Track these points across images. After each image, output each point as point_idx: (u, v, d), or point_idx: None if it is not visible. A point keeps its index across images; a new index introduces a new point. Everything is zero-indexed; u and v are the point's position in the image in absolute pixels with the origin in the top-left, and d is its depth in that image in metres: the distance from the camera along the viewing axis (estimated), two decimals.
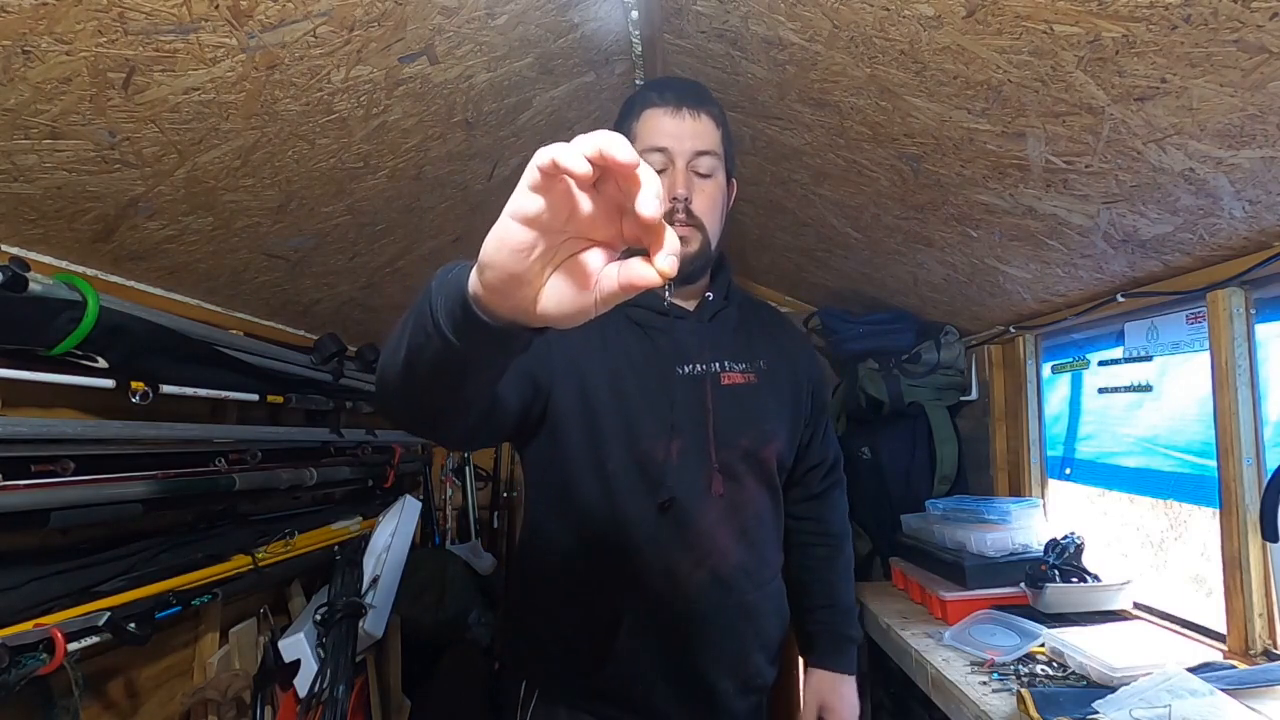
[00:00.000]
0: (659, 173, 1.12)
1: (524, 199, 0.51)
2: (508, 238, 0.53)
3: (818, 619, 1.40)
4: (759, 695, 1.27)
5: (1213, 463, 1.41)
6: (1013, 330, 2.11)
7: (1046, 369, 2.07)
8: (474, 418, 0.88)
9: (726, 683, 1.17)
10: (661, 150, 1.13)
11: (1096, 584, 1.66)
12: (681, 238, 1.08)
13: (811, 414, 1.35)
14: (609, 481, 1.12)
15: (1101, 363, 1.80)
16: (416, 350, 0.69)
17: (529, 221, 0.51)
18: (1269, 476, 1.28)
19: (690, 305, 1.23)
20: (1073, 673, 1.34)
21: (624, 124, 1.19)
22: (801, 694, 1.41)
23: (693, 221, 1.13)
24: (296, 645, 1.93)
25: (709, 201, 1.15)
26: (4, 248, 1.19)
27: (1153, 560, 1.98)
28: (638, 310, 1.19)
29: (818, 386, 1.36)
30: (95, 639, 1.26)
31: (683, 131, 1.13)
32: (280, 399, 1.79)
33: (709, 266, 1.22)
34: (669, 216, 1.11)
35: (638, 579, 1.11)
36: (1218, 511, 1.40)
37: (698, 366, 1.18)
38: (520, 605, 1.24)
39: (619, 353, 1.15)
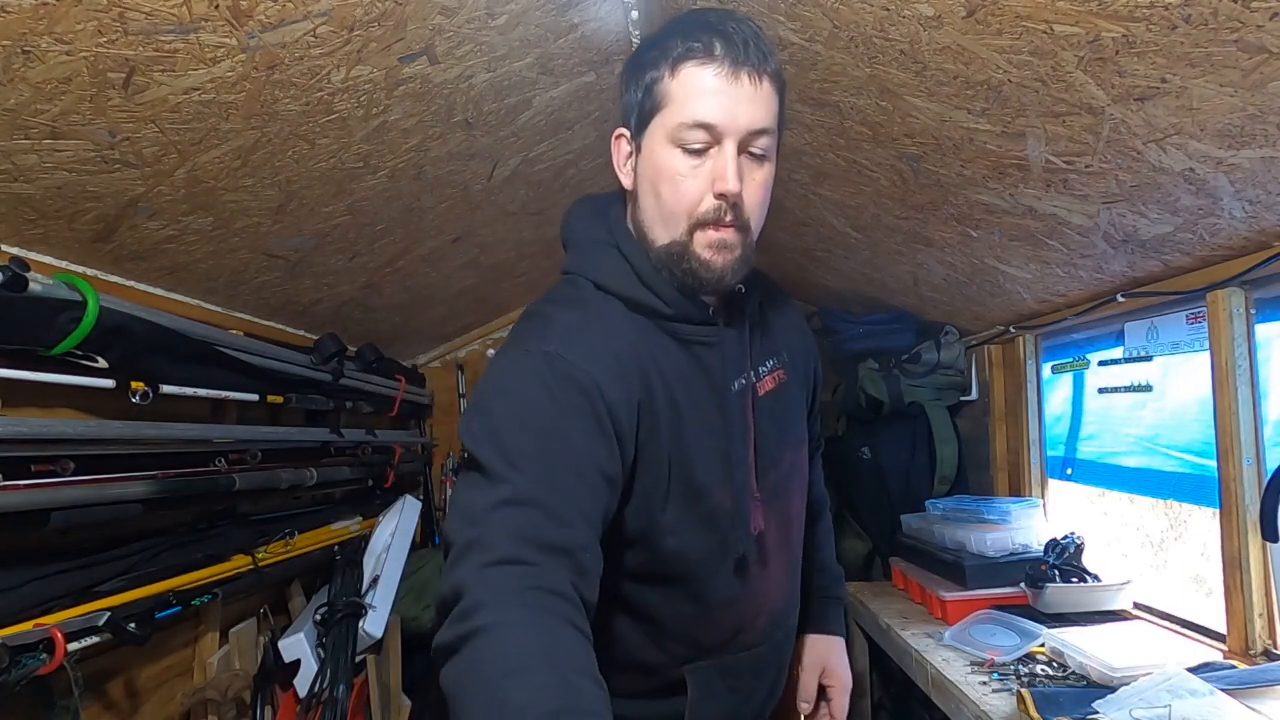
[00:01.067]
0: (699, 151, 0.85)
1: None
2: None
3: (811, 584, 1.26)
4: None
5: (1213, 463, 1.41)
6: (1013, 330, 2.11)
7: (1046, 369, 2.07)
8: None
9: (769, 703, 1.11)
10: (711, 126, 0.84)
11: (1096, 584, 1.66)
12: (723, 241, 0.87)
13: (813, 394, 1.21)
14: (672, 557, 0.90)
15: (1101, 363, 1.80)
16: None
17: None
18: (1269, 476, 1.28)
19: (728, 307, 0.99)
20: (1073, 673, 1.34)
21: (646, 75, 0.88)
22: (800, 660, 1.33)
23: (739, 223, 0.87)
24: (296, 645, 1.93)
25: (760, 194, 0.88)
26: (4, 248, 1.19)
27: (1153, 560, 1.98)
28: (683, 326, 0.93)
29: (817, 363, 1.20)
30: (95, 639, 1.25)
31: (739, 102, 0.83)
32: (280, 399, 1.79)
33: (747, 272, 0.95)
34: (713, 217, 0.86)
35: (706, 645, 0.96)
36: (1218, 511, 1.40)
37: (742, 380, 0.96)
38: None
39: (672, 387, 0.90)
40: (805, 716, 1.22)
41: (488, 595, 0.65)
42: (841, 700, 1.23)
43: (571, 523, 0.72)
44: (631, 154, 0.93)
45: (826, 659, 1.26)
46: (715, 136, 0.84)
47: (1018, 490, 2.14)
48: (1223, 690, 1.08)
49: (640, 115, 0.90)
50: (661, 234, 0.89)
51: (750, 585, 0.96)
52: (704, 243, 0.87)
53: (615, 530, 0.86)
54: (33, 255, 1.24)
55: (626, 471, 0.84)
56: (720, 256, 0.87)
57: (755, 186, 0.87)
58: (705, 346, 0.94)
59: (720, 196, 0.85)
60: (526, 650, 0.62)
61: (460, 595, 0.66)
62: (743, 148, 0.85)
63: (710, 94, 0.83)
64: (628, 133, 0.93)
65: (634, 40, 1.52)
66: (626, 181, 0.95)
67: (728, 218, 0.86)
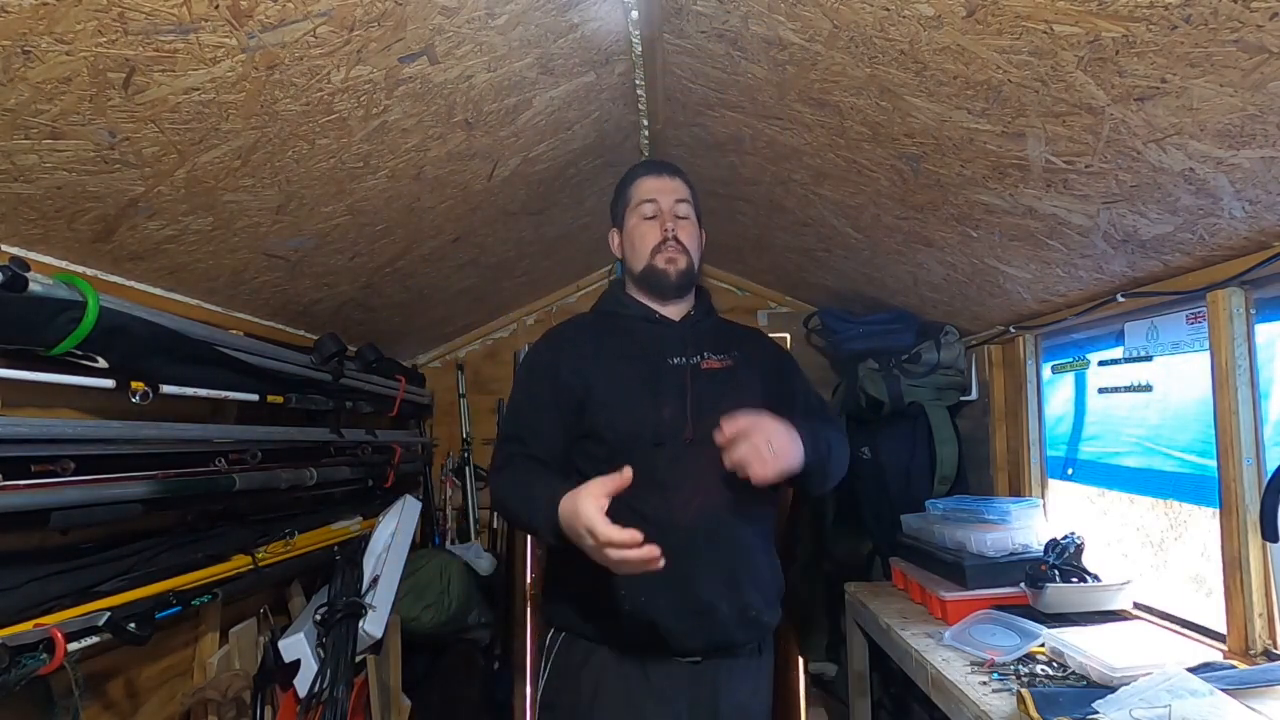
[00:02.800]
0: (652, 217, 1.55)
1: (598, 555, 1.20)
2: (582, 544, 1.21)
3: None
4: (758, 632, 1.47)
5: (1213, 463, 1.41)
6: (1013, 330, 2.11)
7: (1046, 369, 2.07)
8: None
9: (722, 605, 1.39)
10: (653, 201, 1.56)
11: (1096, 584, 1.66)
12: (672, 259, 1.53)
13: (783, 384, 1.59)
14: (616, 438, 1.44)
15: (1101, 363, 1.80)
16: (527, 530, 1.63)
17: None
18: (1269, 476, 1.28)
19: (677, 318, 1.58)
20: (1073, 673, 1.34)
21: (624, 191, 1.62)
22: None
23: (680, 247, 1.54)
24: (296, 645, 1.93)
25: (688, 234, 1.58)
26: (4, 248, 1.19)
27: (1153, 560, 1.98)
28: (636, 322, 1.57)
29: (782, 365, 1.65)
30: (95, 639, 1.26)
31: (664, 187, 1.57)
32: (280, 399, 1.79)
33: (694, 283, 1.60)
34: (663, 245, 1.53)
35: (639, 512, 1.35)
36: (1218, 511, 1.40)
37: (681, 359, 1.51)
38: (556, 559, 1.54)
39: (616, 352, 1.52)
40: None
41: (505, 466, 1.45)
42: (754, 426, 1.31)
43: (532, 443, 1.46)
44: (618, 237, 1.64)
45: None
46: (658, 206, 1.56)
47: (1018, 490, 2.14)
48: (1223, 690, 1.08)
49: (619, 211, 1.63)
50: (639, 264, 1.57)
51: (679, 473, 1.41)
52: (660, 259, 1.54)
53: (582, 428, 1.47)
54: (33, 255, 1.24)
55: (578, 396, 1.47)
56: (671, 266, 1.53)
57: (684, 230, 1.56)
58: (649, 336, 1.55)
59: (664, 231, 1.54)
60: (519, 477, 1.41)
61: (496, 470, 1.48)
62: (674, 210, 1.56)
63: (651, 186, 1.58)
64: (616, 228, 1.64)
65: (634, 40, 1.52)
66: (618, 253, 1.64)
67: (671, 243, 1.53)
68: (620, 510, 1.39)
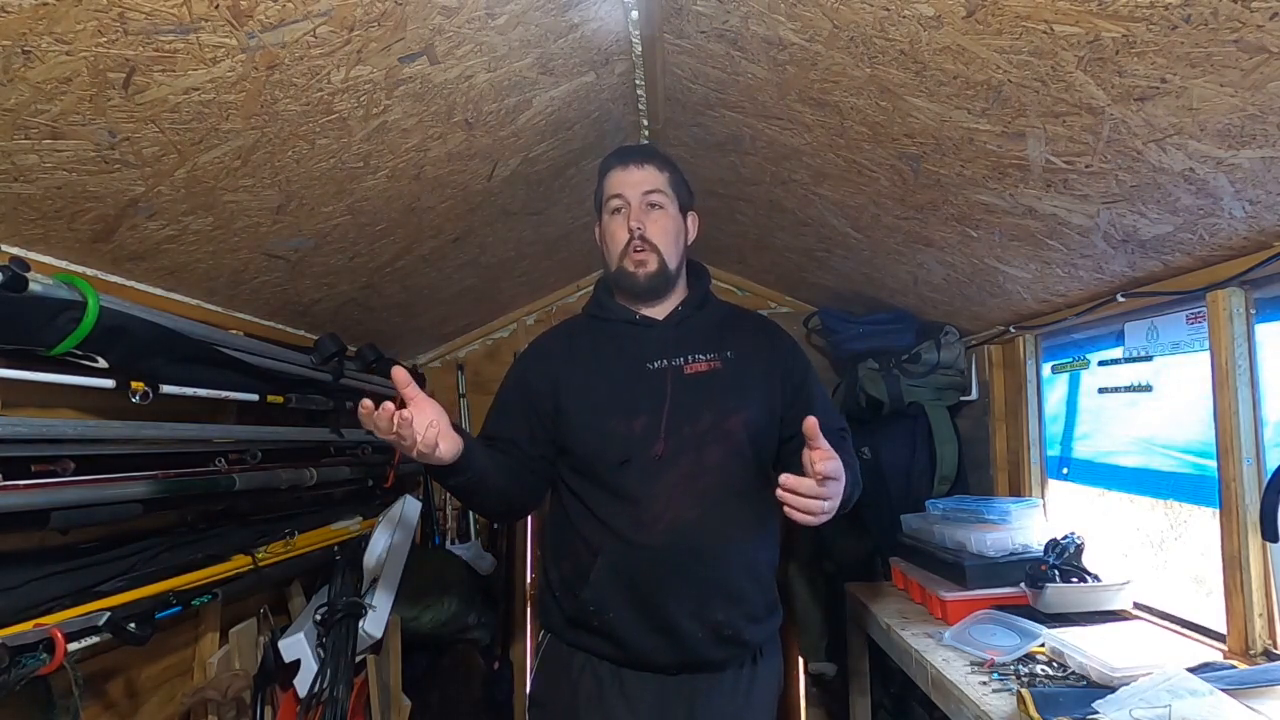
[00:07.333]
0: (619, 210, 1.46)
1: (389, 437, 1.15)
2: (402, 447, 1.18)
3: None
4: (740, 650, 1.40)
5: (1213, 463, 1.41)
6: (1013, 330, 2.11)
7: (1046, 369, 2.07)
8: (515, 502, 1.47)
9: (691, 624, 1.34)
10: (619, 195, 1.46)
11: (1096, 584, 1.66)
12: (640, 261, 1.45)
13: (788, 389, 1.48)
14: (585, 454, 1.40)
15: (1101, 363, 1.80)
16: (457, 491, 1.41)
17: (399, 442, 1.16)
18: (1269, 476, 1.28)
19: (661, 315, 1.50)
20: (1073, 673, 1.34)
21: (599, 185, 1.53)
22: None
23: (648, 246, 1.45)
24: (296, 645, 1.93)
25: (661, 228, 1.46)
26: (4, 248, 1.19)
27: (1153, 560, 1.98)
28: (615, 324, 1.50)
29: (794, 367, 1.51)
30: (95, 639, 1.26)
31: (630, 180, 1.46)
32: (280, 399, 1.79)
33: (670, 281, 1.49)
34: (629, 245, 1.45)
35: (608, 527, 1.37)
36: (1218, 511, 1.40)
37: (662, 362, 1.44)
38: (544, 565, 1.55)
39: (592, 360, 1.47)
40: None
41: None
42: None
43: (499, 436, 1.45)
44: (599, 231, 1.54)
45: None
46: (625, 200, 1.46)
47: (1018, 490, 2.14)
48: (1223, 690, 1.08)
49: (597, 206, 1.54)
50: (612, 263, 1.49)
51: (648, 489, 1.36)
52: (629, 262, 1.46)
53: (558, 442, 1.45)
54: (33, 255, 1.24)
55: (551, 405, 1.44)
56: (639, 269, 1.45)
57: (656, 224, 1.46)
58: (630, 339, 1.47)
59: (629, 232, 1.44)
60: (493, 462, 1.36)
61: None
62: (644, 202, 1.45)
63: (617, 180, 1.47)
64: (598, 222, 1.54)
65: (634, 40, 1.52)
66: (601, 248, 1.54)
67: (637, 243, 1.44)
68: (589, 524, 1.40)
